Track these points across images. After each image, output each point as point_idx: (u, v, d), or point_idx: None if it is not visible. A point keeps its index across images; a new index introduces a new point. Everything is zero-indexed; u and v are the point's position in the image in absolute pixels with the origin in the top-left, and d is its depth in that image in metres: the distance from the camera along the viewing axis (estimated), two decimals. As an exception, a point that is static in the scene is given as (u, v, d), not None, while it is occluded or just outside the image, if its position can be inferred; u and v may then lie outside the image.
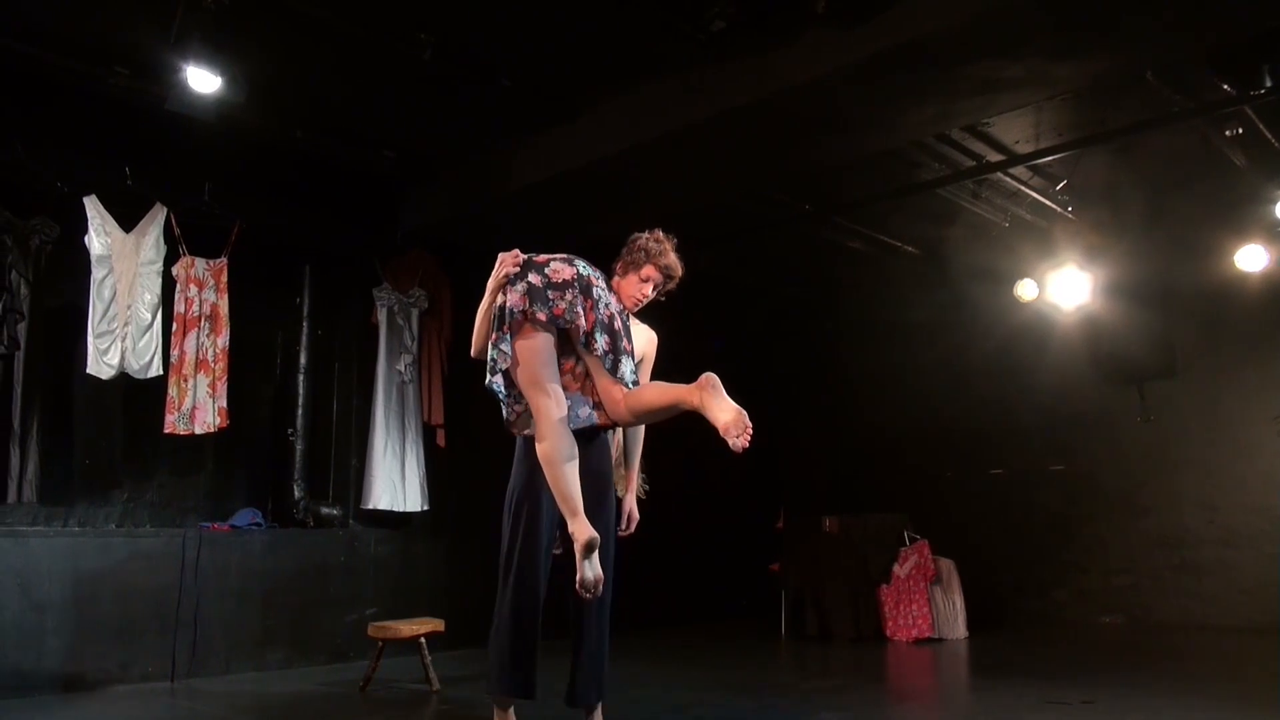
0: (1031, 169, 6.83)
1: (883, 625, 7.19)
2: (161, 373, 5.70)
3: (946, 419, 8.89)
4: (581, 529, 3.02)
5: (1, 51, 4.96)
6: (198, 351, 5.84)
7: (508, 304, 3.17)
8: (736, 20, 4.64)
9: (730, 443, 2.92)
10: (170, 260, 5.87)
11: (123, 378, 5.60)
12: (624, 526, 3.55)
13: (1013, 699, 4.81)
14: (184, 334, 5.82)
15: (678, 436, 4.49)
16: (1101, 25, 4.30)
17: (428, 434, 6.88)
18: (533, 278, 3.17)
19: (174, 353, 5.77)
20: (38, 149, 5.34)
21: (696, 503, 8.39)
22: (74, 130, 5.52)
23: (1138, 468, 8.00)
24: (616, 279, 3.45)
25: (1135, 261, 7.62)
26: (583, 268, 3.26)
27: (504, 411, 3.32)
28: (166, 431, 5.71)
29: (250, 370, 6.32)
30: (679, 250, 3.46)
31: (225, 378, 5.89)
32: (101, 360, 5.47)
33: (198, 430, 5.77)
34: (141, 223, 5.78)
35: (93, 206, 5.57)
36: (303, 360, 6.54)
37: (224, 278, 6.02)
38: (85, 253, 5.53)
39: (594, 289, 3.22)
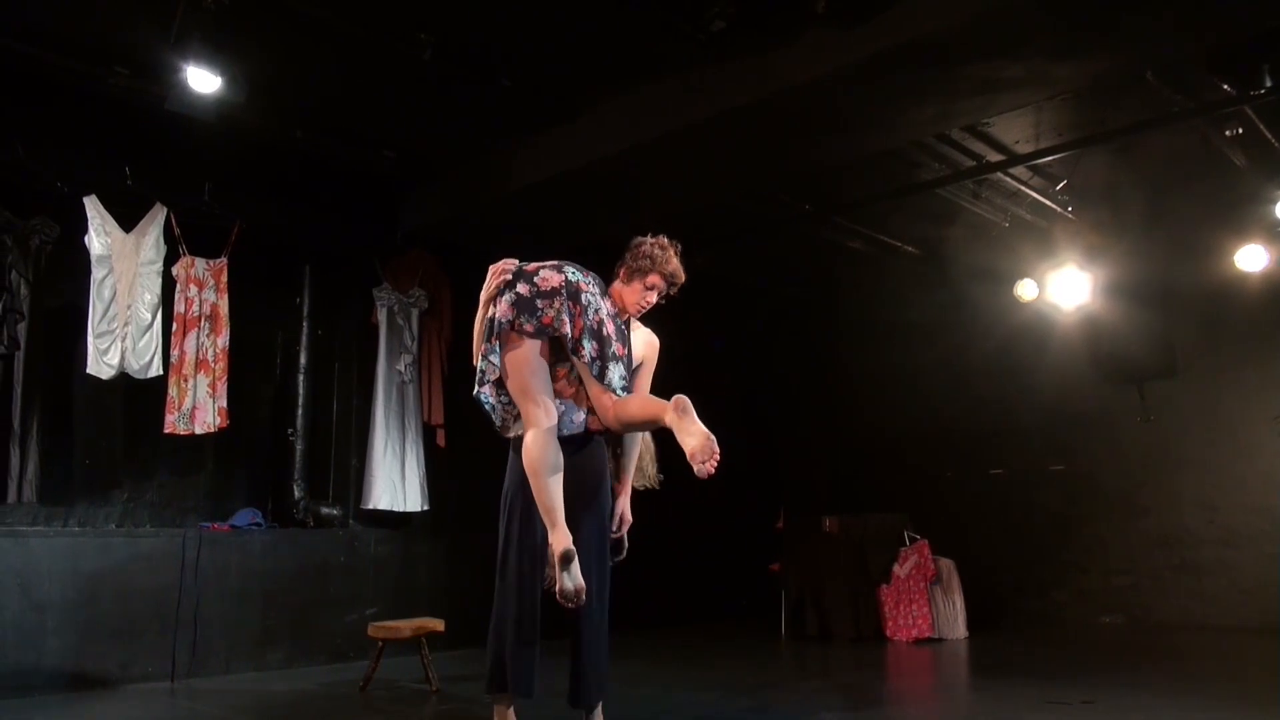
0: (1031, 169, 6.83)
1: (883, 625, 7.19)
2: (161, 373, 5.70)
3: (946, 419, 8.88)
4: (559, 540, 3.04)
5: (1, 51, 4.96)
6: (198, 351, 5.84)
7: (496, 315, 3.19)
8: (736, 20, 4.64)
9: (695, 468, 2.88)
10: (170, 260, 5.87)
11: (123, 378, 5.60)
12: (615, 528, 3.55)
13: (1013, 699, 4.80)
14: (184, 334, 5.82)
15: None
16: (1101, 25, 4.30)
17: (428, 434, 6.89)
18: (521, 288, 3.18)
19: (174, 353, 5.77)
20: (38, 149, 5.34)
21: (696, 503, 8.37)
22: (74, 130, 5.52)
23: (1138, 468, 8.00)
24: (619, 284, 3.43)
25: (1135, 261, 7.61)
26: (571, 274, 3.24)
27: (494, 419, 3.38)
28: (166, 431, 5.71)
29: (250, 370, 6.32)
30: (681, 255, 3.45)
31: (225, 378, 5.89)
32: (101, 360, 5.47)
33: (198, 430, 5.77)
34: (141, 223, 5.78)
35: (93, 206, 5.57)
36: (303, 360, 6.54)
37: (224, 278, 6.02)
38: (85, 253, 5.53)
39: (583, 295, 3.20)
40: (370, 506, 6.52)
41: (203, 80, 4.67)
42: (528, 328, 3.15)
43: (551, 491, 3.08)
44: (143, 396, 5.73)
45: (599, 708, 3.39)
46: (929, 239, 8.12)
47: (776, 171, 6.29)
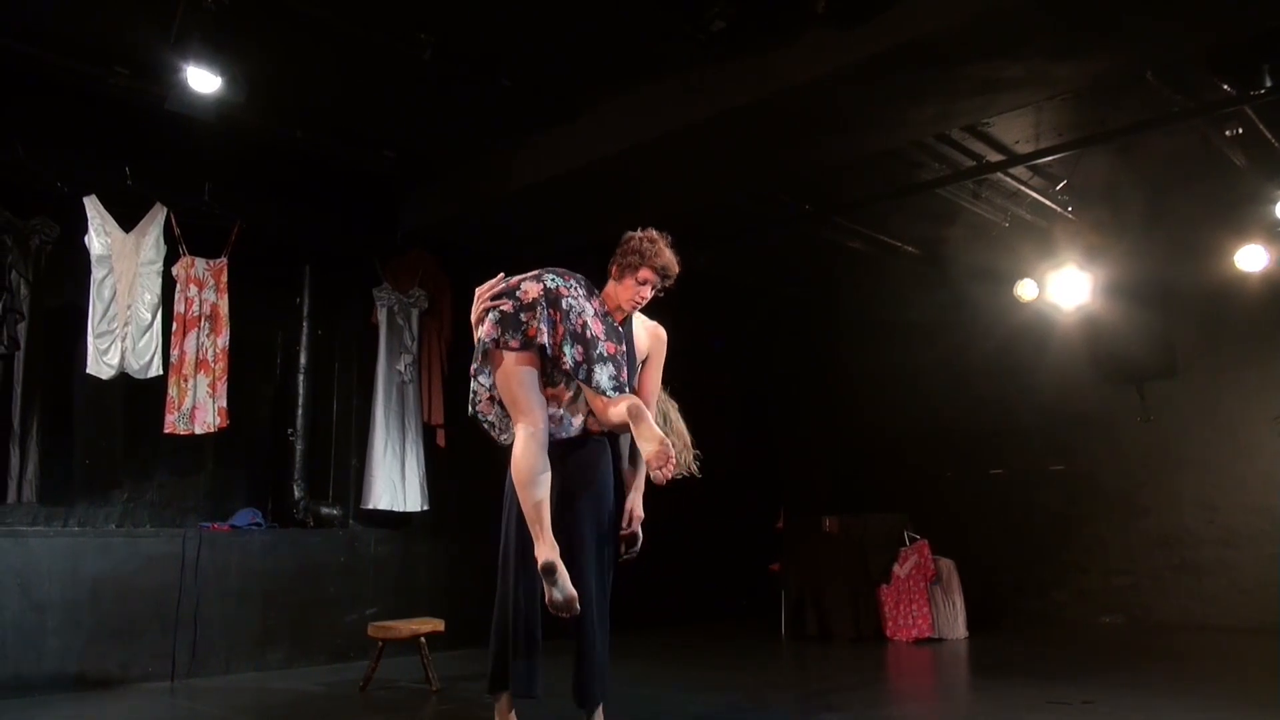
0: (1031, 169, 6.82)
1: (883, 625, 7.19)
2: (161, 373, 5.70)
3: (946, 419, 8.88)
4: (542, 553, 3.03)
5: (1, 51, 4.96)
6: (198, 351, 5.84)
7: (481, 337, 3.21)
8: (736, 20, 4.64)
9: (650, 474, 2.93)
10: (170, 260, 5.87)
11: (123, 378, 5.60)
12: (627, 524, 3.54)
13: (1013, 699, 4.80)
14: (184, 334, 5.82)
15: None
16: (1101, 25, 4.30)
17: (428, 434, 6.89)
18: (505, 305, 3.17)
19: (174, 353, 5.77)
20: (38, 149, 5.34)
21: (696, 503, 8.37)
22: (74, 130, 5.52)
23: (1138, 468, 8.00)
24: (612, 282, 3.41)
25: (1135, 261, 7.61)
26: (550, 280, 3.22)
27: (493, 434, 3.41)
28: (166, 431, 5.71)
29: (250, 370, 6.32)
30: (674, 246, 3.42)
31: (225, 378, 5.89)
32: (101, 360, 5.47)
33: (198, 430, 5.77)
34: (141, 223, 5.78)
35: (93, 206, 5.57)
36: (303, 360, 6.54)
37: (224, 278, 6.02)
38: (85, 253, 5.53)
39: (563, 300, 3.18)
40: (370, 506, 6.52)
41: (203, 80, 4.67)
42: (513, 343, 3.14)
43: (536, 501, 3.07)
44: (143, 396, 5.73)
45: (600, 708, 3.39)
46: (929, 239, 8.11)
47: (776, 171, 6.29)
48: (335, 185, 6.58)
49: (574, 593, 3.05)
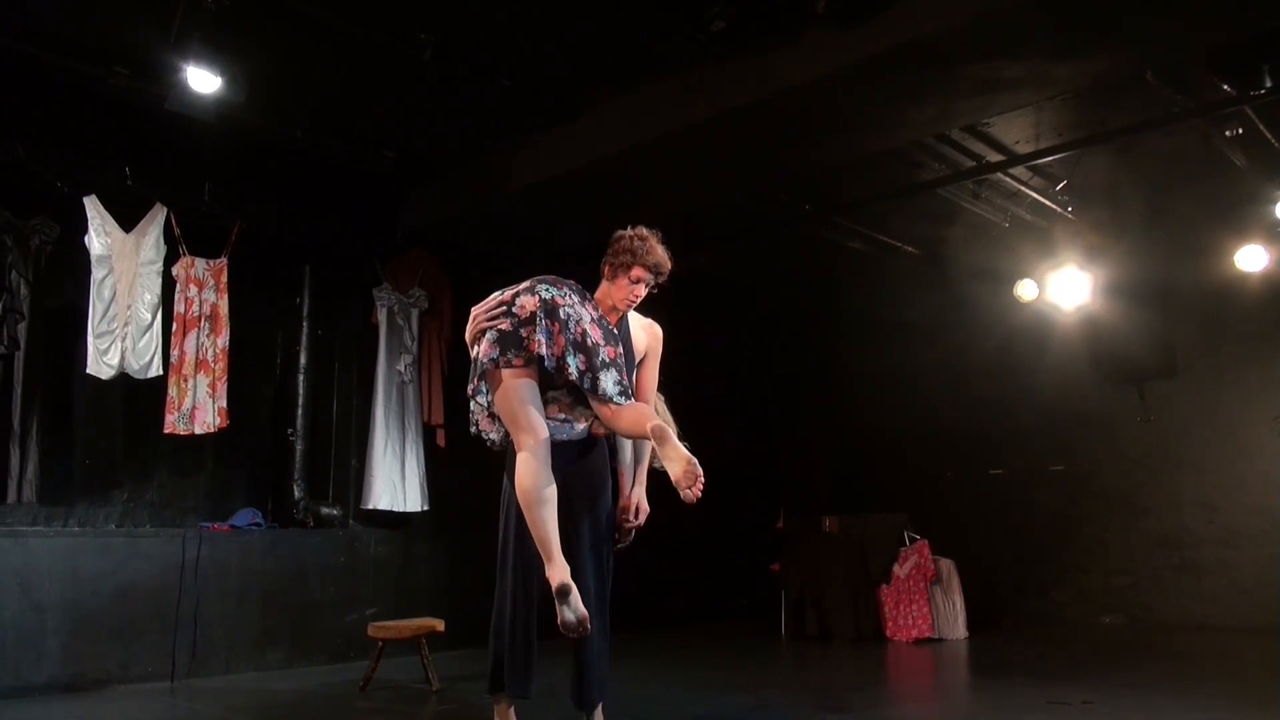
0: (1031, 169, 6.82)
1: (883, 625, 7.19)
2: (161, 373, 5.70)
3: (946, 419, 8.89)
4: (555, 574, 3.01)
5: (1, 51, 4.96)
6: (198, 351, 5.84)
7: (479, 356, 3.18)
8: (736, 20, 4.64)
9: (681, 494, 2.90)
10: (170, 260, 5.87)
11: (123, 378, 5.60)
12: (634, 520, 3.54)
13: (1013, 699, 4.80)
14: (184, 334, 5.82)
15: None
16: (1101, 25, 4.30)
17: (428, 434, 6.89)
18: (503, 324, 3.14)
19: (174, 353, 5.77)
20: (38, 149, 5.34)
21: (696, 503, 8.38)
22: (74, 130, 5.52)
23: (1138, 468, 8.00)
24: (605, 283, 3.39)
25: (1135, 261, 7.61)
26: (545, 291, 3.18)
27: (495, 446, 3.40)
28: (166, 431, 5.71)
29: (250, 370, 6.32)
30: (665, 243, 3.39)
31: (225, 378, 5.89)
32: (101, 360, 5.47)
33: (198, 430, 5.77)
34: (141, 223, 5.78)
35: (93, 206, 5.57)
36: (303, 360, 6.54)
37: (224, 278, 6.02)
38: (85, 253, 5.54)
39: (560, 309, 3.15)
40: (370, 506, 6.52)
41: (203, 80, 4.67)
42: (516, 361, 3.12)
43: (545, 522, 3.04)
44: (143, 396, 5.73)
45: (599, 707, 3.39)
46: (929, 239, 8.11)
47: (776, 171, 6.29)
48: (335, 185, 6.58)
49: (585, 613, 3.02)
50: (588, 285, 3.40)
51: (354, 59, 5.20)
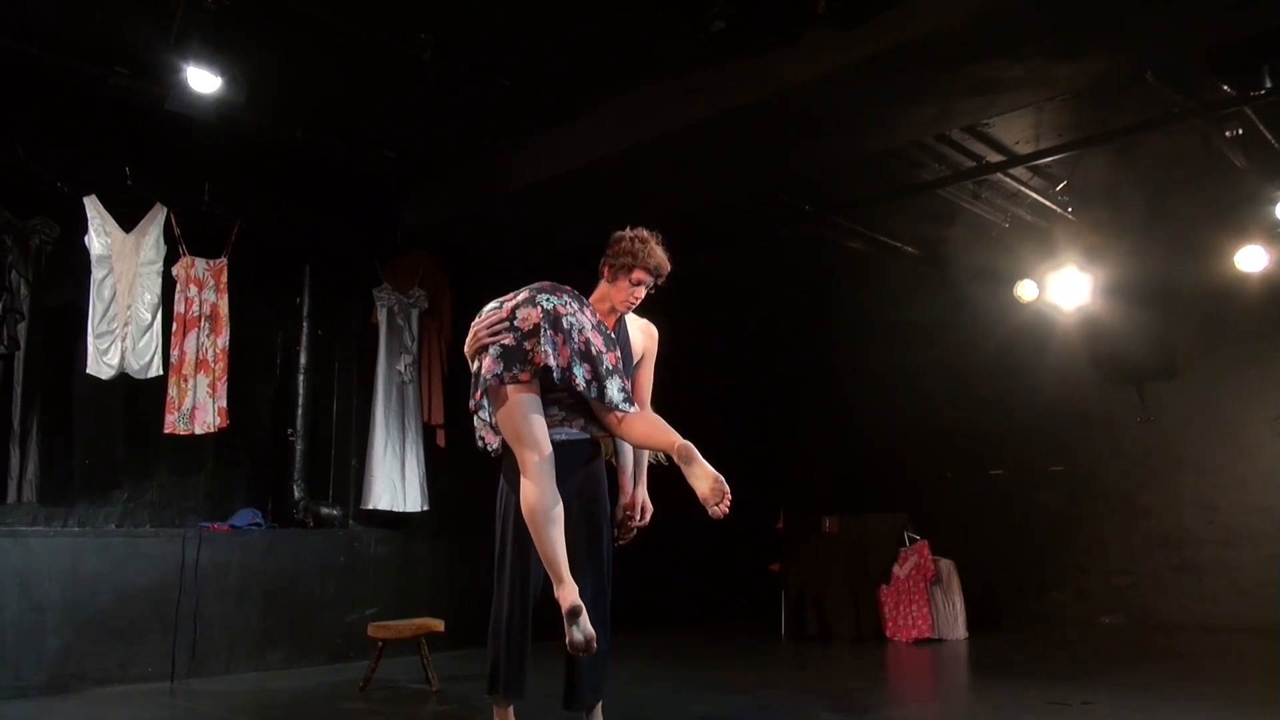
0: (1031, 169, 6.82)
1: (883, 625, 7.19)
2: (161, 373, 5.70)
3: (946, 419, 8.88)
4: (565, 596, 2.99)
5: (1, 51, 4.96)
6: (198, 351, 5.84)
7: (481, 372, 3.15)
8: (736, 20, 4.64)
9: (709, 511, 2.94)
10: (170, 260, 5.87)
11: (123, 378, 5.60)
12: (639, 519, 3.54)
13: (1013, 699, 4.81)
14: (184, 334, 5.82)
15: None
16: (1101, 25, 4.30)
17: (428, 434, 6.89)
18: (505, 339, 3.10)
19: (174, 353, 5.77)
20: (38, 149, 5.34)
21: (696, 503, 8.38)
22: (74, 130, 5.52)
23: (1138, 468, 8.00)
24: (604, 284, 3.36)
25: (1135, 261, 7.61)
26: (545, 301, 3.15)
27: (494, 453, 3.38)
28: (166, 431, 5.71)
29: (250, 370, 6.32)
30: (664, 244, 3.36)
31: (225, 378, 5.89)
32: (101, 360, 5.47)
33: (198, 430, 5.77)
34: (141, 223, 5.78)
35: (93, 206, 5.57)
36: (303, 360, 6.54)
37: (224, 278, 6.02)
38: (85, 253, 5.53)
39: (562, 319, 3.13)
40: (370, 507, 6.52)
41: (203, 80, 4.67)
42: (523, 376, 3.08)
43: (553, 541, 3.01)
44: (143, 396, 5.73)
45: (599, 707, 3.39)
46: (929, 239, 8.11)
47: (776, 171, 6.28)
48: (335, 185, 6.58)
49: (594, 633, 3.01)
50: (587, 286, 3.40)
51: (354, 59, 5.20)
